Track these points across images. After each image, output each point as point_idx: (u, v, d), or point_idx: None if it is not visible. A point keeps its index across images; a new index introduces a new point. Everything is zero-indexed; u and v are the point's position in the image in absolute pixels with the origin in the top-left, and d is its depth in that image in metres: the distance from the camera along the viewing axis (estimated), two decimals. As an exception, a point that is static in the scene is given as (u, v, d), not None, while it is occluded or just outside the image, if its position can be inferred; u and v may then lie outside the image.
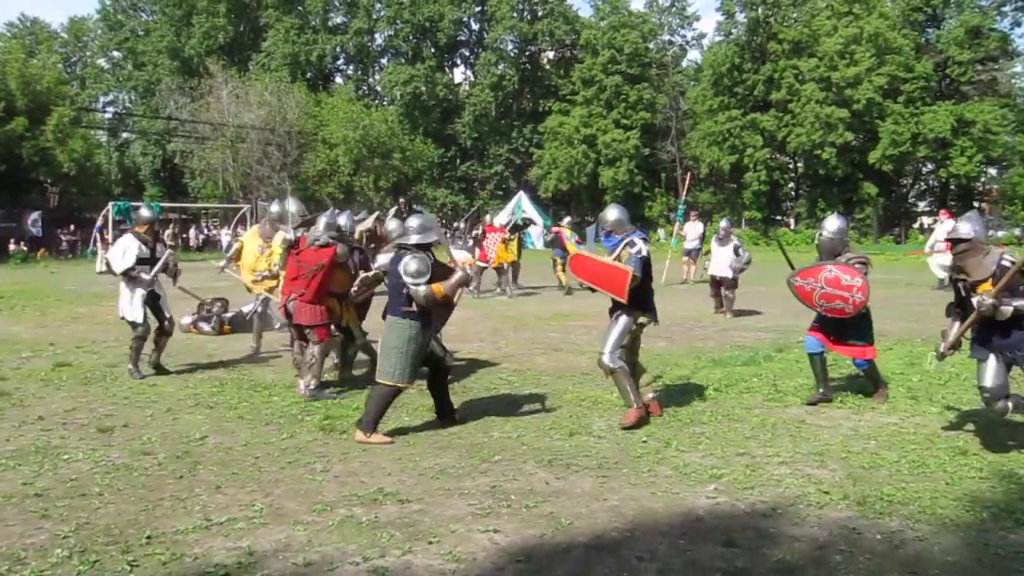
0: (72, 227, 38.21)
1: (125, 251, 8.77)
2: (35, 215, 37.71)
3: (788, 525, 4.62)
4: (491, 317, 14.19)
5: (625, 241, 6.87)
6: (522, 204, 38.11)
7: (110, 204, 34.86)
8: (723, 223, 15.63)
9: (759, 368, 9.16)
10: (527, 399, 7.78)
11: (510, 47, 55.07)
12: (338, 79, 60.01)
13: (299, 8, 55.31)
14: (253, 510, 4.84)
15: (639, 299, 6.78)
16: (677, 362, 9.65)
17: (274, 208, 9.94)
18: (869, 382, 7.69)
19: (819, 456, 5.88)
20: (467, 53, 58.14)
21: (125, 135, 58.42)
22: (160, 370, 9.08)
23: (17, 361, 9.97)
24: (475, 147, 54.23)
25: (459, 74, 59.36)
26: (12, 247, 35.56)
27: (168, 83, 50.02)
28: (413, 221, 6.73)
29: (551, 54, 57.39)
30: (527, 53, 56.43)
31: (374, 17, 54.67)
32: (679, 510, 4.87)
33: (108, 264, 9.05)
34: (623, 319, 6.83)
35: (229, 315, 12.32)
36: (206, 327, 12.12)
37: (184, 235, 45.06)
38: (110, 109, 61.37)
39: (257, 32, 56.10)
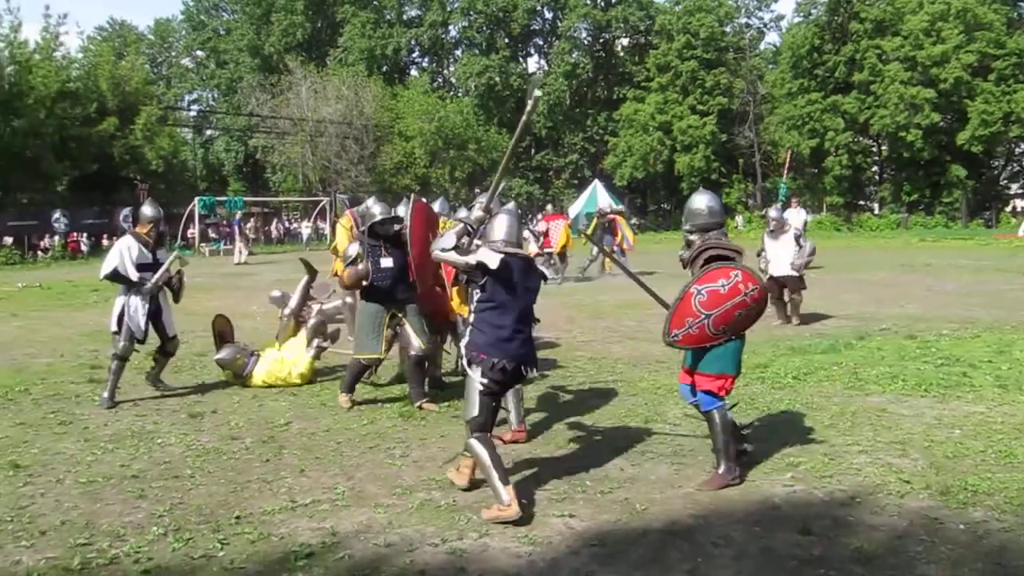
0: (160, 222, 39.52)
1: (123, 254, 7.45)
2: (126, 211, 39.07)
3: (866, 514, 4.56)
4: (567, 306, 14.22)
5: None
6: (597, 193, 37.95)
7: (196, 199, 36.05)
8: (772, 212, 12.74)
9: (839, 356, 9.00)
10: (602, 387, 7.81)
11: (584, 35, 54.86)
12: (413, 72, 60.69)
13: (374, 3, 56.07)
14: (336, 493, 5.00)
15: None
16: (754, 350, 9.48)
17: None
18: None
19: (901, 445, 5.77)
20: (540, 42, 58.11)
21: (209, 132, 60.17)
22: (159, 385, 8.04)
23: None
24: (550, 136, 54.19)
25: (533, 63, 59.47)
26: (105, 242, 37.01)
27: (249, 80, 51.30)
28: (375, 207, 7.25)
29: (625, 41, 56.96)
30: (601, 40, 56.14)
31: (448, 9, 55.05)
32: (755, 498, 4.85)
33: (112, 272, 7.43)
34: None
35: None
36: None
37: (266, 228, 46.23)
38: (194, 107, 63.36)
39: (334, 28, 57.07)
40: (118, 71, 40.81)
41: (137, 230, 7.80)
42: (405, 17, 57.26)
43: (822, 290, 15.57)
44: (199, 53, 63.48)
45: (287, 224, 48.74)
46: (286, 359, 8.25)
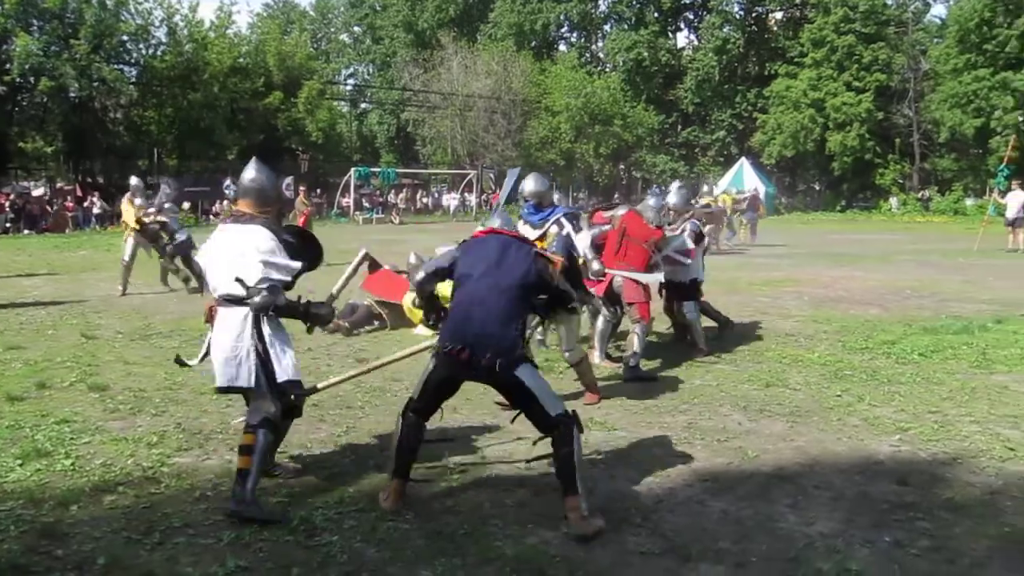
0: (319, 191, 41.79)
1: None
2: (288, 180, 41.50)
3: (965, 473, 4.95)
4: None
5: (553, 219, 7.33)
6: (744, 172, 37.49)
7: (352, 170, 38.00)
8: (670, 197, 9.09)
9: (972, 337, 9.06)
10: (728, 354, 8.26)
11: (736, 9, 53.75)
12: (562, 47, 61.11)
13: (525, -22, 56.71)
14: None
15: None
16: (885, 328, 9.72)
17: None
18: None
19: (1015, 419, 6.03)
20: (691, 16, 57.35)
21: (363, 105, 62.72)
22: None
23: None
24: (697, 113, 53.64)
25: (682, 38, 58.78)
26: (268, 208, 39.47)
27: (403, 55, 53.19)
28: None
29: (779, 15, 55.44)
30: (754, 15, 54.86)
31: (598, -17, 55.10)
32: (861, 454, 5.30)
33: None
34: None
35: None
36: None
37: (413, 199, 48.10)
38: (351, 81, 66.17)
39: (485, 3, 58.16)
40: (283, 47, 43.27)
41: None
42: (555, -8, 57.67)
43: (970, 274, 15.33)
44: (356, 29, 66.15)
45: (435, 195, 50.45)
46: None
